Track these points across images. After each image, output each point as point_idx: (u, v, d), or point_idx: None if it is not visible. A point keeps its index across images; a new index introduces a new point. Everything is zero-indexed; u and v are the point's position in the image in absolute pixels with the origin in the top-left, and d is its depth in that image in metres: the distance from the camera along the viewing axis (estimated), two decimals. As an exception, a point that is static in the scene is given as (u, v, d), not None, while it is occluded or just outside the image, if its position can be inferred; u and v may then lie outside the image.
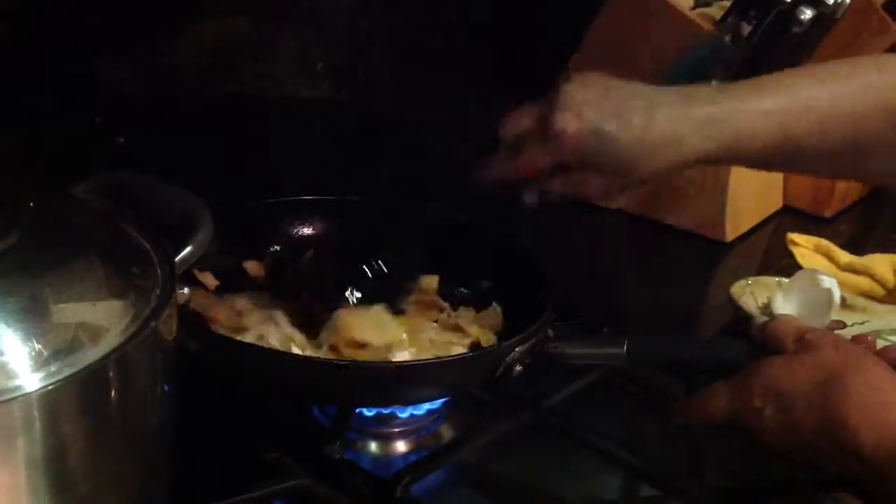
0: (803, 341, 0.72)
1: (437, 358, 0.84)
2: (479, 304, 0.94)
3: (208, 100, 1.07)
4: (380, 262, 0.93)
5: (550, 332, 0.83)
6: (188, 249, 0.64)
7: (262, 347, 0.83)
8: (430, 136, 1.22)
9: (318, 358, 0.83)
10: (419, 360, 0.84)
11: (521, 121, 0.82)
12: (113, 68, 0.99)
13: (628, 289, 1.17)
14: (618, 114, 0.77)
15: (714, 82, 0.99)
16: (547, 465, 0.83)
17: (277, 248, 0.98)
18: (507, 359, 0.80)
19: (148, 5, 0.97)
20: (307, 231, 1.00)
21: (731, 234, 1.23)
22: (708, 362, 0.78)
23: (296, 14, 1.10)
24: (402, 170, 1.14)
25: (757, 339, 0.75)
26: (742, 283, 1.10)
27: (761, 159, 0.83)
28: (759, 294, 1.07)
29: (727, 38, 1.10)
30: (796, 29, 1.06)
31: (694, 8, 1.23)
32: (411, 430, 0.87)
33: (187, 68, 1.05)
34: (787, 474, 0.83)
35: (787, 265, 1.17)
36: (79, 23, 0.92)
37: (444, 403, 0.88)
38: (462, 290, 0.96)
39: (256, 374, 0.79)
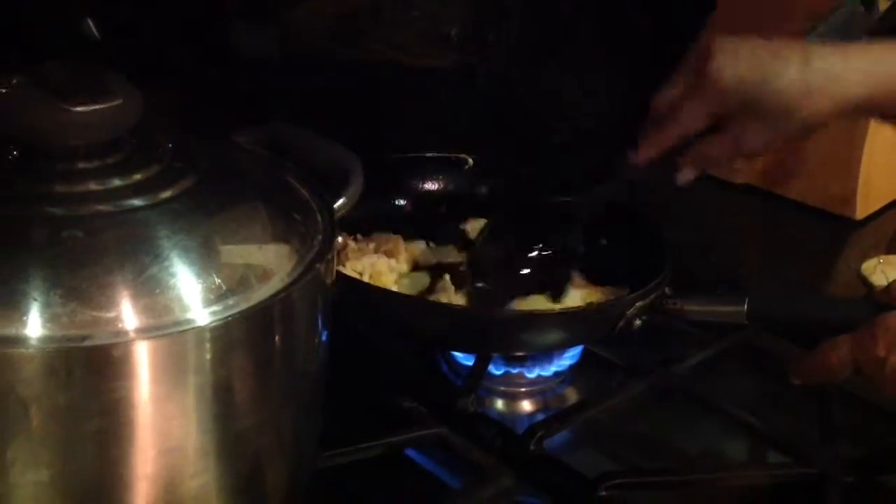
0: None
1: (563, 309, 0.87)
2: (596, 264, 0.95)
3: (339, 65, 1.09)
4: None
5: (668, 290, 0.84)
6: (341, 200, 0.66)
7: (397, 293, 0.86)
8: (556, 105, 1.23)
9: (449, 304, 0.86)
10: (545, 310, 0.87)
11: (671, 89, 0.82)
12: (247, 33, 1.02)
13: (751, 264, 1.15)
14: (774, 56, 0.76)
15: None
16: (674, 429, 0.84)
17: (404, 202, 1.01)
18: (628, 313, 0.81)
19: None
20: (432, 187, 1.04)
21: (861, 213, 1.21)
22: (831, 321, 0.76)
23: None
24: (525, 136, 1.16)
25: (882, 300, 0.73)
26: (873, 261, 1.09)
27: None
28: (890, 272, 1.06)
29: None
30: None
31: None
32: (538, 390, 0.88)
33: (317, 34, 1.08)
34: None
35: (919, 247, 1.16)
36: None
37: (570, 367, 0.89)
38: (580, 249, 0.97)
39: (391, 319, 0.82)
